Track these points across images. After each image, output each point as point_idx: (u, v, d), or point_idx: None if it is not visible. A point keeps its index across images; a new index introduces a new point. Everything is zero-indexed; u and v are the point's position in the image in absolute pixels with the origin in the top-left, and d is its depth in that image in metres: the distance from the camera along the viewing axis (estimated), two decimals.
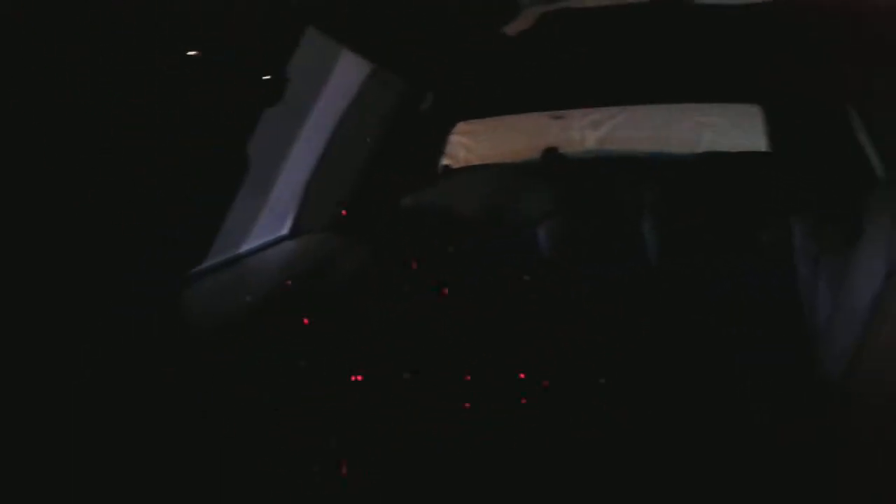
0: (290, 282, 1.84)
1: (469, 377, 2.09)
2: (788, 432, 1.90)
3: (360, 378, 1.91)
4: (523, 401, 2.05)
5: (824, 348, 1.84)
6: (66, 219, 0.96)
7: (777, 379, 2.09)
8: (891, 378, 1.59)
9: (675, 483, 1.69)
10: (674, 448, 1.91)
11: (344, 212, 2.22)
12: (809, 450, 1.72)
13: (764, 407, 2.05)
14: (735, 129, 2.84)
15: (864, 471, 1.52)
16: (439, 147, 2.79)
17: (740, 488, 1.68)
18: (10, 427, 0.93)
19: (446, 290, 2.38)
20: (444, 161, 2.87)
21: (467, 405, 1.99)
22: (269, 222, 2.05)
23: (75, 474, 1.03)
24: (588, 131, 3.22)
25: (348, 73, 2.02)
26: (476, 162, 3.09)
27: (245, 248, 1.90)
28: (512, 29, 2.06)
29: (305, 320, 1.76)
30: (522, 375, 2.11)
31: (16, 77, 0.88)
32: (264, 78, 1.05)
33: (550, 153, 2.88)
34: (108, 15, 0.92)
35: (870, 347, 1.64)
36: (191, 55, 0.93)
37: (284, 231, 2.14)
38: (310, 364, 1.69)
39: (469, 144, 3.15)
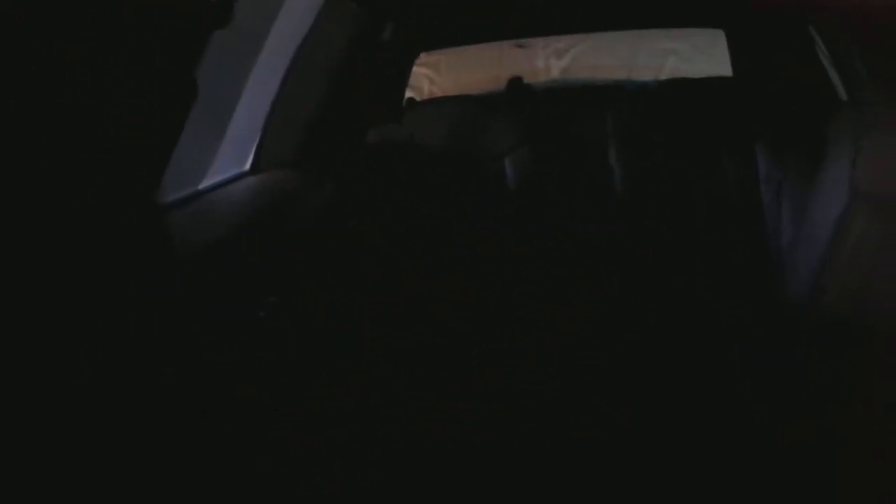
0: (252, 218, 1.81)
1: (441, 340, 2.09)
2: (755, 357, 1.94)
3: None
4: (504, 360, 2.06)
5: (788, 273, 1.87)
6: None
7: (745, 306, 2.12)
8: (851, 303, 1.62)
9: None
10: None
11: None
12: (777, 373, 1.76)
13: (731, 332, 2.09)
14: (699, 55, 2.83)
15: (829, 393, 1.56)
16: (402, 79, 2.74)
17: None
18: (10, 427, 0.93)
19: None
20: (408, 93, 2.83)
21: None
22: (228, 158, 1.99)
23: (75, 474, 1.03)
24: (552, 60, 3.18)
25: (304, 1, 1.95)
26: (440, 94, 3.05)
27: (204, 184, 1.86)
28: None
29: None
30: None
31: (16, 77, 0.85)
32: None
33: (516, 82, 2.85)
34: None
35: (832, 272, 1.67)
36: None
37: (245, 167, 2.10)
38: (277, 307, 1.68)
39: (433, 76, 3.10)
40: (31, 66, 0.86)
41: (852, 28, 1.75)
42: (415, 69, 2.81)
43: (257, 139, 2.09)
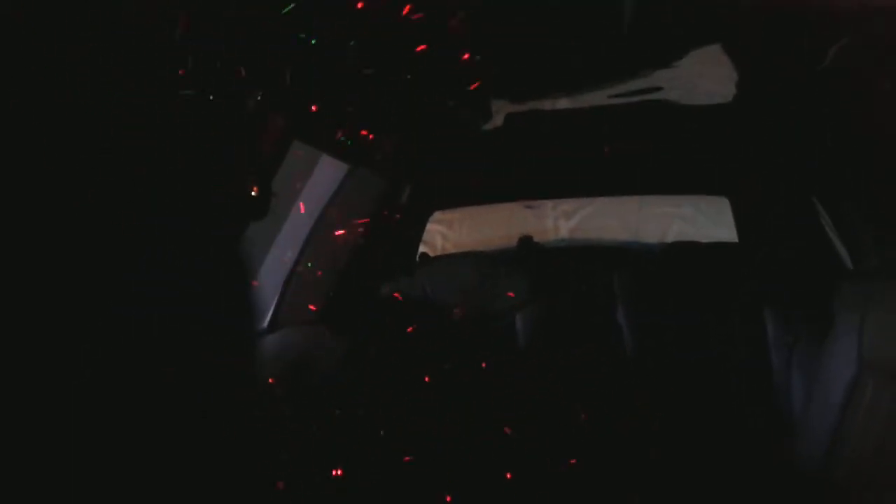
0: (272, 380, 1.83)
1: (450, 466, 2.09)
2: None
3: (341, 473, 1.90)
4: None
5: (801, 440, 1.87)
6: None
7: (756, 470, 2.10)
8: (867, 471, 1.62)
9: None
10: None
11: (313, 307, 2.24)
12: None
13: (745, 499, 2.06)
14: (704, 220, 2.93)
15: None
16: (417, 236, 2.84)
17: None
18: (10, 427, 0.93)
19: (427, 378, 2.39)
20: (422, 249, 2.91)
21: (448, 498, 1.98)
22: None
23: (76, 474, 1.02)
24: (561, 221, 3.30)
25: (328, 172, 2.07)
26: (453, 250, 3.14)
27: None
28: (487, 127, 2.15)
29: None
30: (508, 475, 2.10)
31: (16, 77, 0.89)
32: (252, 194, 1.08)
33: (526, 241, 2.94)
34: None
35: (845, 440, 1.67)
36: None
37: (263, 325, 2.15)
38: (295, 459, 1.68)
39: (446, 233, 3.20)
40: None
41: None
42: (429, 226, 2.91)
43: (276, 297, 2.16)
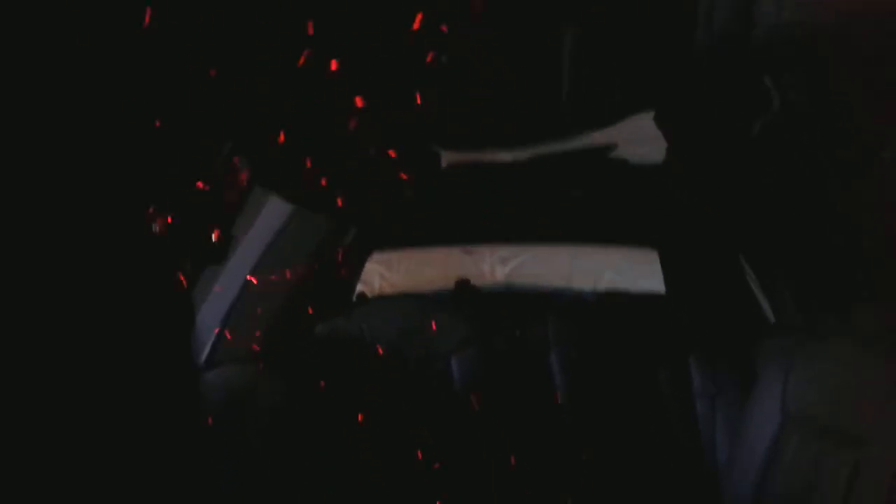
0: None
1: None
2: None
3: None
4: None
5: (726, 490, 1.94)
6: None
7: None
8: None
9: None
10: None
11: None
12: None
13: None
14: (634, 271, 3.03)
15: None
16: (355, 276, 2.85)
17: None
18: (11, 428, 0.92)
19: (361, 418, 2.40)
20: (360, 288, 2.92)
21: None
22: None
23: (76, 475, 1.01)
24: (497, 266, 3.36)
25: (273, 211, 2.08)
26: (390, 291, 3.16)
27: None
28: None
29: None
30: None
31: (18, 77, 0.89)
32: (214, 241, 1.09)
33: (463, 284, 2.99)
34: None
35: (768, 491, 1.75)
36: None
37: (200, 362, 2.13)
38: None
39: (384, 273, 3.22)
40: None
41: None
42: (367, 265, 2.93)
43: (214, 335, 2.15)
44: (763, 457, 1.76)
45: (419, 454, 2.39)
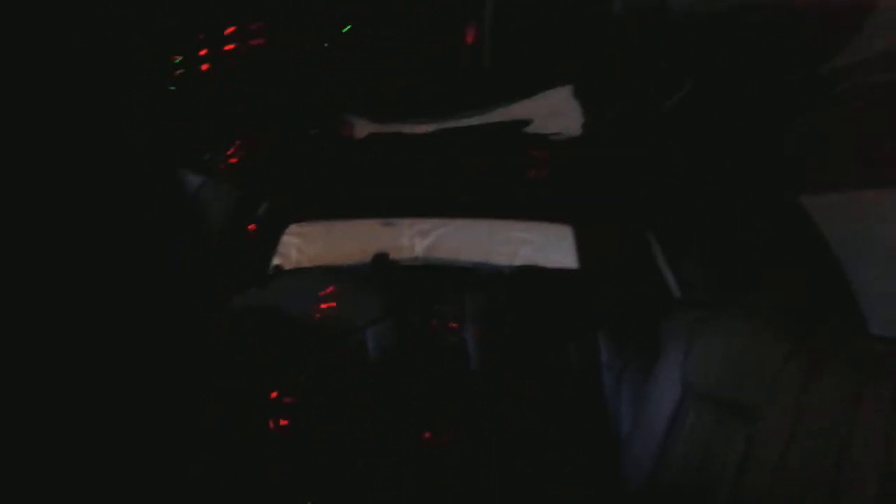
0: None
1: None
2: None
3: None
4: None
5: (628, 459, 2.00)
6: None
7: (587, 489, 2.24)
8: (688, 490, 1.76)
9: None
10: None
11: None
12: None
13: None
14: (549, 246, 3.08)
15: None
16: (272, 248, 2.81)
17: None
18: (12, 428, 0.90)
19: (275, 394, 2.38)
20: (276, 261, 2.89)
21: None
22: None
23: (77, 475, 1.00)
24: (417, 239, 3.37)
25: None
26: (307, 264, 3.13)
27: None
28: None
29: None
30: None
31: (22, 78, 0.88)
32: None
33: (381, 257, 2.98)
34: None
35: (668, 460, 1.82)
36: None
37: None
38: None
39: (302, 246, 3.19)
40: None
41: None
42: (284, 238, 2.89)
43: None
44: (664, 427, 1.83)
45: (334, 427, 2.39)
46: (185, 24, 1.31)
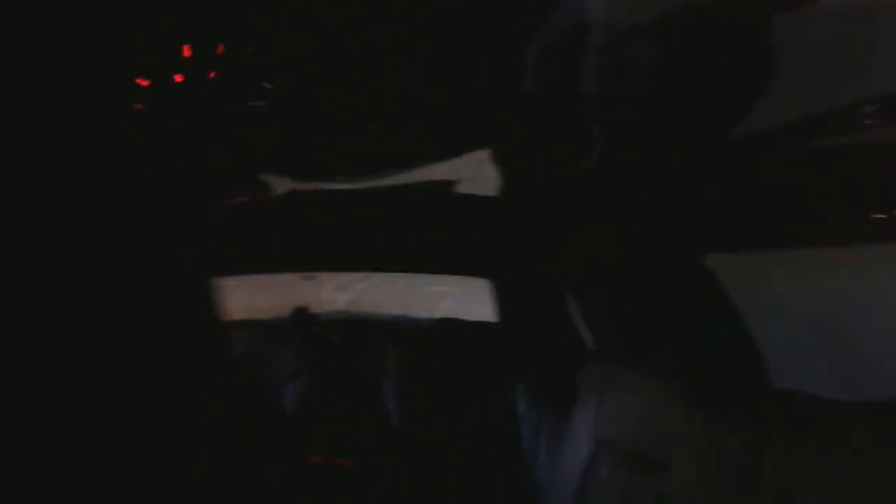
0: None
1: None
2: None
3: None
4: None
5: None
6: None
7: None
8: None
9: None
10: None
11: None
12: None
13: None
14: (470, 299, 3.11)
15: None
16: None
17: None
18: (11, 428, 0.86)
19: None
20: None
21: None
22: None
23: (77, 475, 0.96)
24: (337, 293, 3.35)
25: None
26: (225, 318, 3.07)
27: None
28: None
29: None
30: None
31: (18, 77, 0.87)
32: None
33: (301, 312, 2.96)
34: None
35: None
36: None
37: None
38: None
39: (220, 300, 3.13)
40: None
41: None
42: None
43: None
44: (578, 482, 1.86)
45: (250, 487, 2.35)
46: (185, 24, 1.33)
